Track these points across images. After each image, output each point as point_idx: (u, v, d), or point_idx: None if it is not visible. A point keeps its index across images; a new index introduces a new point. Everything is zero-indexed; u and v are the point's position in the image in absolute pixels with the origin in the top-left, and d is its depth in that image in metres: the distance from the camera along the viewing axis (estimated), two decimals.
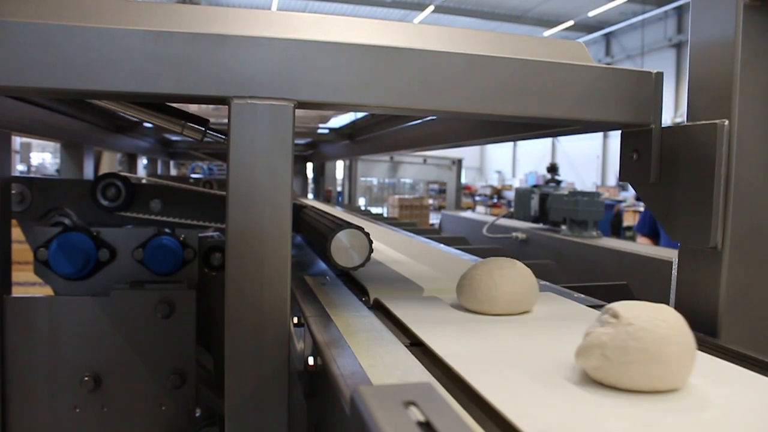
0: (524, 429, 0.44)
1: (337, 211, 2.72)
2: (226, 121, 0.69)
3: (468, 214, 4.12)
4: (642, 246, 2.41)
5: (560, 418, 0.47)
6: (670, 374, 0.52)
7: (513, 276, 0.81)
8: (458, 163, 4.75)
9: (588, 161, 19.28)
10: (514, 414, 0.47)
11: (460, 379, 0.57)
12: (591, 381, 0.55)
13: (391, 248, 1.60)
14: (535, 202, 2.74)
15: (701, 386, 0.54)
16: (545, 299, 0.90)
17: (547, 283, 1.13)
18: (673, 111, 14.29)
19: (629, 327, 0.53)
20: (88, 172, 1.90)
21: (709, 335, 0.75)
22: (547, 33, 16.82)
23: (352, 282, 1.05)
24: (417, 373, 0.59)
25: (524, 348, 0.67)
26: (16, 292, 1.04)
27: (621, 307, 0.56)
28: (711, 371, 0.59)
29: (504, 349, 0.66)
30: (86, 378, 1.00)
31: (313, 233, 1.06)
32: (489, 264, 0.83)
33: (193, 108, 1.39)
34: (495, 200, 14.39)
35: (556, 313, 0.84)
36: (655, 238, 2.88)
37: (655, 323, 0.53)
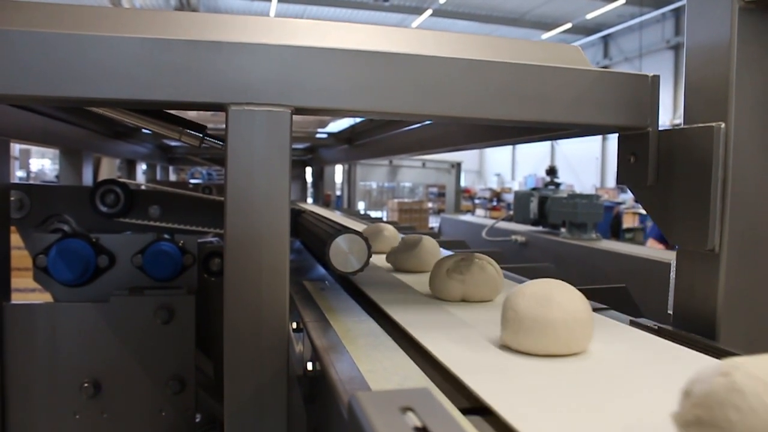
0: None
1: (336, 216, 2.72)
2: (224, 126, 0.69)
3: (467, 217, 4.12)
4: (641, 248, 2.41)
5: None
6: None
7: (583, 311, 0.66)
8: (457, 166, 4.76)
9: (587, 163, 19.28)
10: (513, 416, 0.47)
11: (458, 381, 0.57)
12: None
13: None
14: (534, 205, 2.74)
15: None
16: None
17: None
18: (671, 112, 14.31)
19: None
20: (87, 179, 1.90)
21: (707, 337, 0.75)
22: (545, 35, 16.85)
23: (351, 285, 1.05)
24: (415, 378, 0.59)
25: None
26: (16, 298, 1.05)
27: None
28: None
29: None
30: (86, 384, 1.00)
31: (311, 238, 1.06)
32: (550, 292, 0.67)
33: (191, 113, 1.39)
34: (494, 203, 14.41)
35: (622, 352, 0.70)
36: (667, 243, 2.88)
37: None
